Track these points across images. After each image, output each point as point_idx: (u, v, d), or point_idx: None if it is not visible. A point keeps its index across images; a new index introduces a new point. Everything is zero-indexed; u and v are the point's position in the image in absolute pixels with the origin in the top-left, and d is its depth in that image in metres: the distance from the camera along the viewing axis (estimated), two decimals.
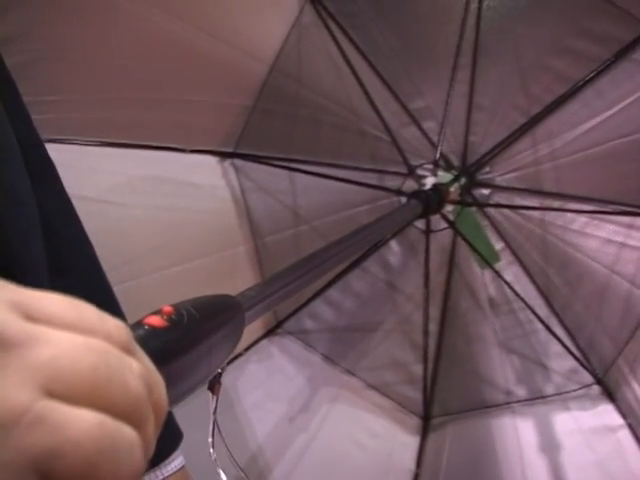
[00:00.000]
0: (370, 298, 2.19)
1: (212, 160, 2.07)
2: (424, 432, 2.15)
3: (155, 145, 1.88)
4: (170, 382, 0.39)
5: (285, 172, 2.07)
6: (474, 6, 1.80)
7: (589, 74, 1.73)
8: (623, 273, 1.80)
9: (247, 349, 2.13)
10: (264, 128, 2.03)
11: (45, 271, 0.61)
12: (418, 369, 2.14)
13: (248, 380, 2.06)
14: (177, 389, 0.44)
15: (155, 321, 0.43)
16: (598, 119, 1.76)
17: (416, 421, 2.17)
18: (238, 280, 2.12)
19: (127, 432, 0.28)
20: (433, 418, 2.16)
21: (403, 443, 2.14)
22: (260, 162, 2.06)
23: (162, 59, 1.72)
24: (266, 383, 2.12)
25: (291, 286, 0.69)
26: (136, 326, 0.43)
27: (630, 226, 1.78)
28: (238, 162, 2.09)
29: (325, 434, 2.06)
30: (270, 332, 2.22)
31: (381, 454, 2.12)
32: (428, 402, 2.15)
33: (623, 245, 1.79)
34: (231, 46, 1.81)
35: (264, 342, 2.19)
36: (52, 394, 0.26)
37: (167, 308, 0.45)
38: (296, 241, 2.15)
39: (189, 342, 0.45)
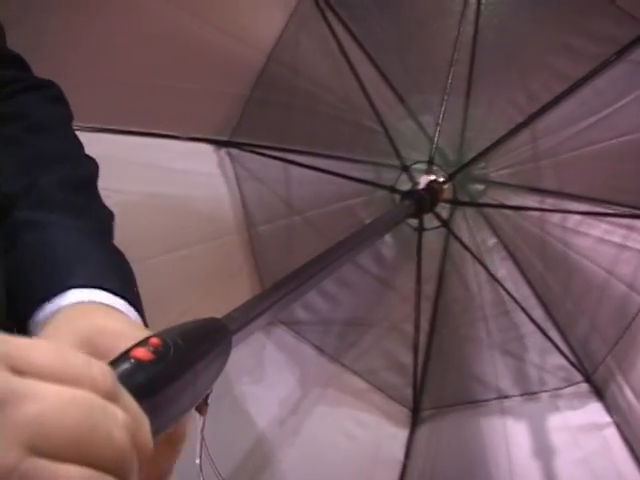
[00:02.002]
0: (363, 291, 2.18)
1: (208, 148, 2.06)
2: (413, 424, 2.16)
3: (150, 132, 1.87)
4: (156, 413, 0.40)
5: (280, 162, 2.06)
6: (473, 1, 1.78)
7: (587, 73, 1.72)
8: (617, 273, 1.80)
9: None
10: (260, 117, 2.02)
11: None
12: (409, 362, 2.15)
13: (237, 367, 2.06)
14: (163, 419, 0.44)
15: (141, 354, 0.43)
16: (595, 118, 1.75)
17: (406, 413, 2.18)
18: (230, 268, 2.12)
19: None
20: (423, 411, 2.17)
21: (392, 434, 2.15)
22: (255, 152, 2.05)
23: (159, 46, 1.71)
24: (255, 371, 2.12)
25: (279, 304, 0.69)
26: (122, 359, 0.43)
27: (628, 227, 1.77)
28: (234, 151, 2.08)
29: (314, 423, 2.06)
30: None
31: (370, 445, 2.13)
32: (418, 395, 2.16)
33: (618, 245, 1.79)
34: (228, 34, 1.80)
35: None
36: (38, 451, 0.26)
37: (154, 340, 0.45)
38: (290, 231, 2.15)
39: (175, 373, 0.45)
